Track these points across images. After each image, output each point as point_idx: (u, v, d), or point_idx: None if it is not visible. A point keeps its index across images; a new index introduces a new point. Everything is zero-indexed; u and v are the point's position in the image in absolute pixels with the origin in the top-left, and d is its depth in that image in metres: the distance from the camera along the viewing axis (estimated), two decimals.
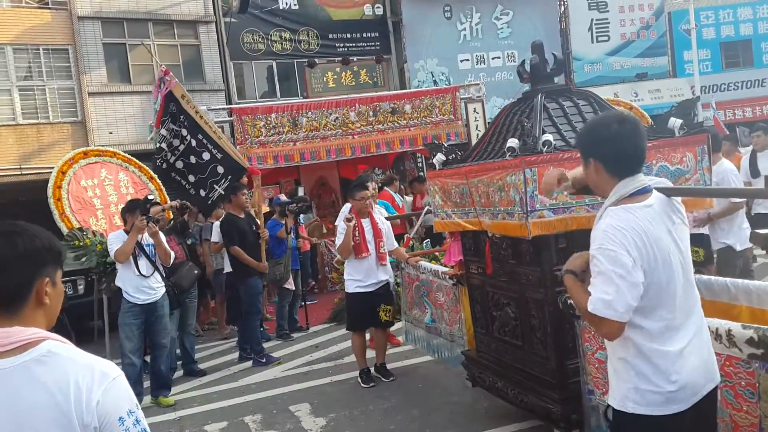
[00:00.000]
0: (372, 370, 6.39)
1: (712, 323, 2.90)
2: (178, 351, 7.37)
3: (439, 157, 4.95)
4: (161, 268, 6.43)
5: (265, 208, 11.46)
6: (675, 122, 4.05)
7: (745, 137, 16.36)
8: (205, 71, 16.40)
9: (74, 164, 9.41)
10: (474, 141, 11.20)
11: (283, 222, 8.53)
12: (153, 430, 1.67)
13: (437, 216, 5.00)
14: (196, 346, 7.74)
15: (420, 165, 15.75)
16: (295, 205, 8.94)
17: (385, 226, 6.46)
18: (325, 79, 17.49)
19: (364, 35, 18.30)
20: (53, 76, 15.05)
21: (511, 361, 4.53)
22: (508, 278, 4.41)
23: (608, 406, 2.47)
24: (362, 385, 6.20)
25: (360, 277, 6.22)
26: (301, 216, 9.33)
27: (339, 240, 6.28)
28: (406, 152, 14.07)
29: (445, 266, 5.67)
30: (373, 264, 6.22)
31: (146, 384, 6.51)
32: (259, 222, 7.81)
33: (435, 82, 17.93)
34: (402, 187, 12.14)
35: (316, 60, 17.43)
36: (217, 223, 8.29)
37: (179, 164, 7.75)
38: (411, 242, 8.09)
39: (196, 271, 7.31)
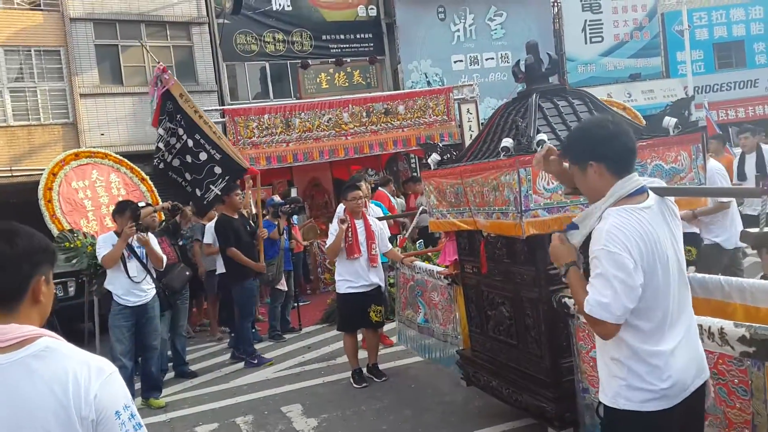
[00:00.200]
0: (364, 370, 6.36)
1: (704, 321, 2.90)
2: (169, 353, 7.32)
3: (434, 157, 4.93)
4: (152, 270, 6.38)
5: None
6: (669, 121, 4.04)
7: (737, 138, 16.40)
8: (198, 72, 16.34)
9: (65, 166, 9.36)
10: (467, 142, 11.20)
11: (276, 223, 8.50)
12: None
13: (432, 216, 4.98)
14: (187, 347, 7.69)
15: (413, 166, 15.73)
16: (288, 206, 8.91)
17: (379, 228, 6.44)
18: (318, 80, 17.44)
19: (358, 36, 18.27)
20: (45, 78, 14.97)
21: (506, 360, 4.51)
22: (503, 277, 4.39)
23: (600, 403, 2.48)
24: (354, 385, 6.17)
25: (350, 277, 6.20)
26: (294, 217, 9.29)
27: (329, 241, 6.26)
28: (399, 153, 14.06)
29: (440, 266, 5.65)
30: (364, 265, 6.20)
31: (137, 386, 6.47)
32: (259, 222, 7.78)
33: (428, 83, 17.92)
34: (394, 188, 12.13)
35: (310, 61, 17.38)
36: (209, 225, 8.25)
37: (176, 162, 7.64)
38: (405, 243, 8.08)
39: (187, 273, 7.26)
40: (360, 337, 6.56)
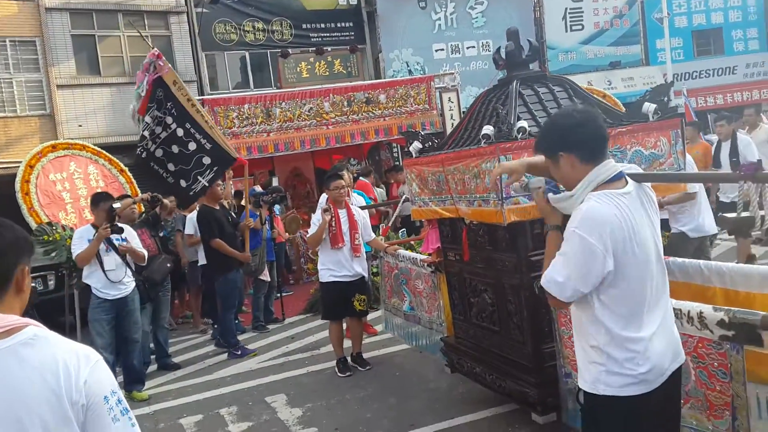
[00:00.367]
0: (349, 360, 6.36)
1: (684, 306, 2.93)
2: (152, 345, 7.27)
3: (416, 145, 4.92)
4: (131, 263, 6.32)
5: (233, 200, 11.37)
6: (649, 107, 4.05)
7: (715, 125, 16.56)
8: (177, 62, 16.16)
9: (42, 158, 9.25)
10: (449, 130, 11.19)
11: (258, 213, 8.45)
12: None
13: (415, 204, 4.97)
14: (170, 339, 7.64)
15: (396, 155, 15.73)
16: (269, 195, 8.86)
17: (362, 217, 6.42)
18: (298, 69, 17.36)
19: (338, 25, 18.19)
20: (20, 69, 14.77)
21: (489, 347, 4.54)
22: (485, 265, 4.41)
23: (579, 389, 2.50)
24: (339, 374, 6.18)
25: (333, 267, 6.19)
26: (276, 207, 9.25)
27: (312, 230, 6.25)
28: (381, 142, 14.03)
29: (423, 254, 5.65)
30: (347, 255, 6.19)
31: (119, 378, 6.43)
32: (246, 211, 7.72)
33: (410, 72, 17.90)
34: (376, 178, 12.12)
35: (290, 50, 17.29)
36: (190, 215, 8.18)
37: (158, 152, 7.38)
38: (388, 232, 8.08)
39: (168, 264, 7.19)
40: (344, 326, 6.55)
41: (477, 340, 4.70)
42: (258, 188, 10.51)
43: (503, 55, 4.51)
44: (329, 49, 17.74)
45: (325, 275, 6.24)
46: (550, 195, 2.54)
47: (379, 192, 11.44)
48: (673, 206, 5.91)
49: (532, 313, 4.01)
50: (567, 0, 20.81)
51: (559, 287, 2.36)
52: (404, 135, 5.34)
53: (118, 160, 9.84)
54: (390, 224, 8.71)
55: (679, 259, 3.87)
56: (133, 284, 6.28)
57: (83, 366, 1.61)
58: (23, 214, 8.42)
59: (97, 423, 1.60)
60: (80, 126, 15.03)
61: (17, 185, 8.72)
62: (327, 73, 17.50)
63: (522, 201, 3.73)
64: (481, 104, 4.61)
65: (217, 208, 7.49)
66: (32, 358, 1.57)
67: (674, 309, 2.92)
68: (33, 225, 8.24)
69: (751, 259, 7.36)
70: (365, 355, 6.43)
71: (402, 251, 6.19)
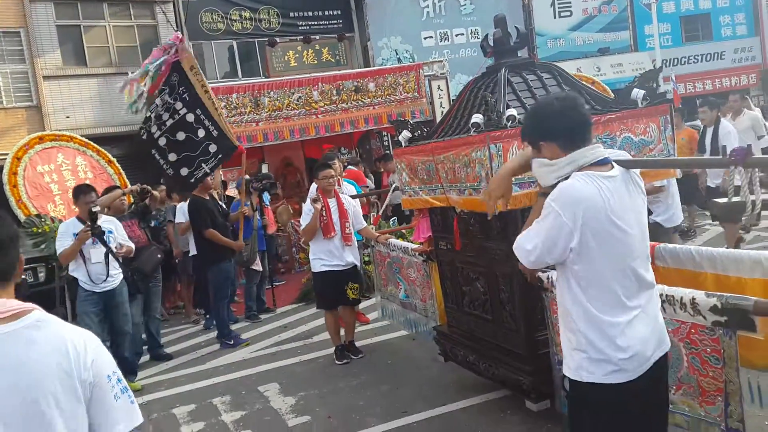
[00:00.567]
0: None
1: (676, 292, 2.94)
2: (144, 336, 7.26)
3: (405, 134, 4.90)
4: (118, 256, 6.25)
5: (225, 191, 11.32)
6: (638, 93, 4.06)
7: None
8: None
9: (30, 150, 9.19)
10: (438, 118, 11.17)
11: (248, 201, 8.42)
12: None
13: (405, 193, 4.97)
14: (162, 330, 7.63)
15: (386, 143, 15.69)
16: (258, 182, 8.81)
17: (352, 206, 6.41)
18: (286, 58, 17.24)
19: (326, 13, 18.07)
20: (5, 60, 14.60)
21: (482, 335, 4.55)
22: (477, 253, 4.41)
23: (564, 376, 2.52)
24: (336, 362, 6.19)
25: (324, 256, 6.18)
26: (266, 196, 9.21)
27: (304, 221, 6.22)
28: (371, 131, 14.00)
29: (414, 243, 5.65)
30: (338, 244, 6.18)
31: None
32: (242, 199, 7.68)
33: (399, 60, 17.80)
34: (364, 168, 12.09)
35: (277, 39, 17.17)
36: (180, 205, 8.14)
37: (162, 141, 7.20)
38: (379, 221, 8.07)
39: (159, 255, 7.16)
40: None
41: (470, 329, 4.71)
42: (246, 177, 10.45)
43: (491, 42, 4.50)
44: (317, 37, 17.62)
45: (317, 265, 6.23)
46: (535, 158, 2.56)
47: (368, 182, 11.41)
48: (647, 197, 5.97)
49: (524, 301, 4.03)
50: None
51: (525, 253, 2.47)
52: (393, 124, 5.32)
53: (106, 151, 9.79)
54: (380, 213, 8.70)
55: (670, 245, 3.89)
56: (121, 276, 6.24)
57: (89, 346, 1.71)
58: (11, 206, 8.38)
59: (101, 400, 1.70)
60: (67, 117, 14.90)
61: (4, 177, 8.67)
62: (315, 62, 17.39)
63: (513, 189, 3.73)
64: (469, 92, 4.60)
65: (207, 198, 7.46)
66: (41, 340, 1.64)
67: (667, 295, 2.94)
68: (22, 217, 8.20)
69: (739, 242, 7.45)
70: (358, 344, 6.45)
71: (393, 240, 6.19)
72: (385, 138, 15.67)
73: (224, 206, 7.98)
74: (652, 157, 4.05)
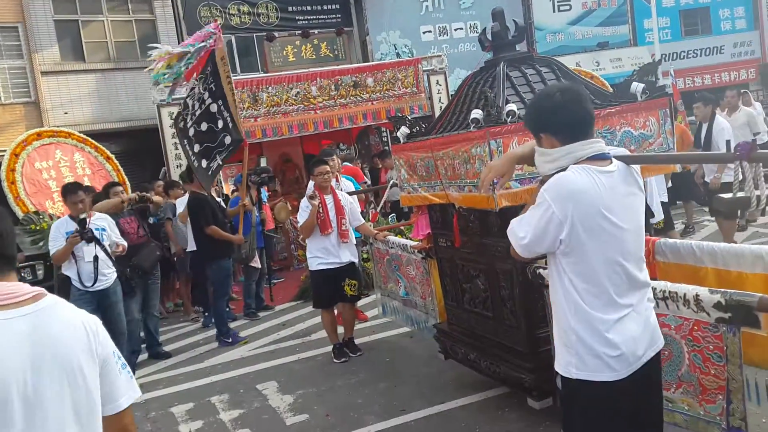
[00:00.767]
0: None
1: (679, 289, 2.91)
2: (142, 333, 7.22)
3: (404, 130, 4.86)
4: (111, 254, 6.21)
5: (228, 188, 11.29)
6: (637, 87, 4.03)
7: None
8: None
9: (28, 146, 9.15)
10: (437, 114, 11.13)
11: (248, 195, 8.36)
12: None
13: (404, 190, 4.92)
14: (160, 328, 7.60)
15: (385, 139, 15.63)
16: (257, 176, 8.76)
17: (349, 202, 6.36)
18: (284, 53, 17.16)
19: (325, 7, 17.98)
20: (3, 56, 14.54)
21: (483, 333, 4.52)
22: (477, 250, 4.38)
23: (557, 373, 2.50)
24: (335, 360, 6.16)
25: (321, 254, 6.14)
26: (263, 193, 9.16)
27: (302, 218, 6.17)
28: (370, 126, 13.94)
29: (413, 240, 5.61)
30: (335, 242, 6.13)
31: None
32: (242, 193, 7.60)
33: (398, 55, 17.74)
34: (358, 163, 12.05)
35: (276, 33, 17.09)
36: (180, 200, 8.12)
37: (191, 131, 7.18)
38: (378, 217, 8.03)
39: (158, 252, 7.13)
40: (336, 312, 6.52)
41: (470, 326, 4.68)
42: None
43: (489, 36, 4.45)
44: (316, 32, 17.54)
45: (314, 263, 6.19)
46: (536, 145, 2.54)
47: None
48: None
49: (525, 298, 3.99)
50: None
51: (517, 239, 2.47)
52: (391, 120, 5.28)
53: (104, 148, 9.75)
54: (378, 210, 8.66)
55: (671, 240, 3.86)
56: (115, 275, 6.20)
57: (98, 325, 1.89)
58: (9, 203, 8.35)
59: (109, 373, 1.87)
60: (66, 113, 14.84)
61: (2, 174, 8.64)
62: (314, 57, 17.31)
63: (513, 185, 3.70)
64: (468, 87, 4.55)
65: (206, 195, 7.42)
66: (64, 319, 1.79)
67: (670, 292, 2.91)
68: (20, 214, 8.16)
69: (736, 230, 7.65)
70: (356, 341, 6.42)
71: (392, 237, 6.15)
72: (384, 134, 15.62)
73: (222, 203, 7.94)
74: (652, 151, 4.01)
